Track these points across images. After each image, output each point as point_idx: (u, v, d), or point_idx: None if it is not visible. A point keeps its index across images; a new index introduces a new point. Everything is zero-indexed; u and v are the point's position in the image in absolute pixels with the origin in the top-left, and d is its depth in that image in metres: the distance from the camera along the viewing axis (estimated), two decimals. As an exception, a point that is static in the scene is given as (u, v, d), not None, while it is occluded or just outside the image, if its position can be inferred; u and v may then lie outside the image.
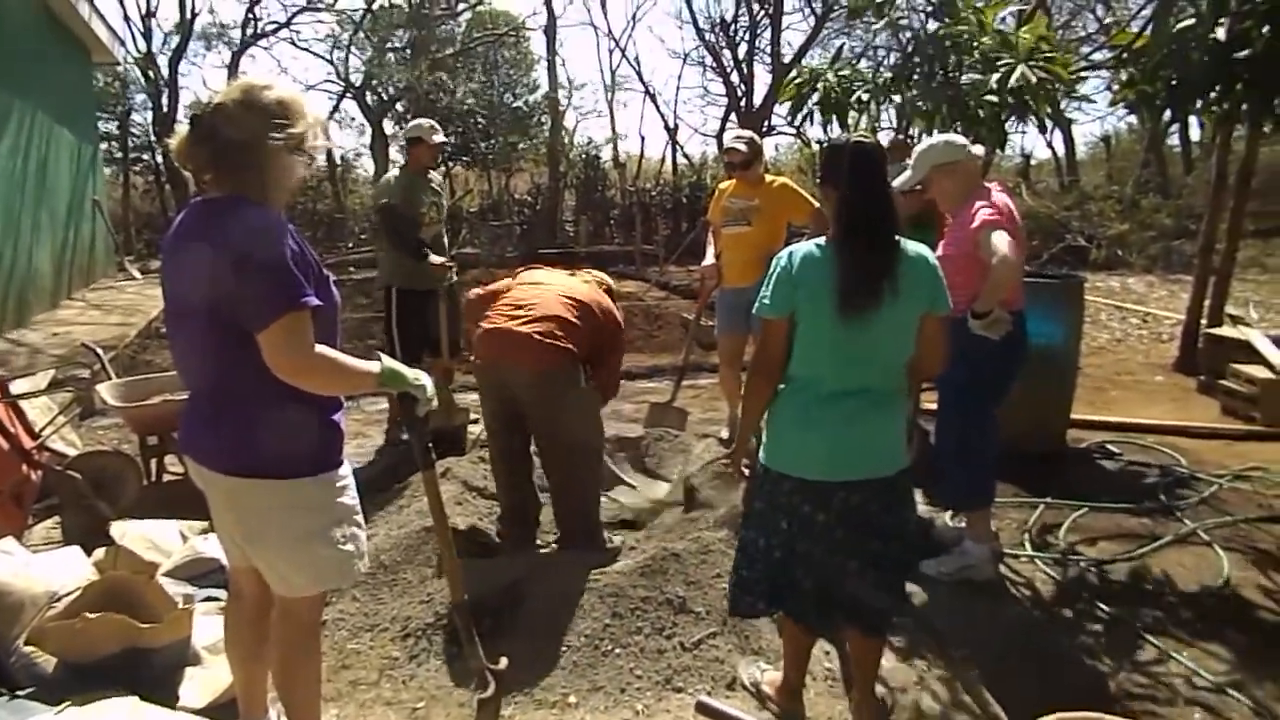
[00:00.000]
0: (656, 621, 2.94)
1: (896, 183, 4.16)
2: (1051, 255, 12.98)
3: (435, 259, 4.94)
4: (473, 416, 5.46)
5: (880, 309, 2.19)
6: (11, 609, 2.76)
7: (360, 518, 2.18)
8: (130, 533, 3.31)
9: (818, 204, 4.79)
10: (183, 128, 1.98)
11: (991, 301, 3.00)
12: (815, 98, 4.72)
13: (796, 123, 17.57)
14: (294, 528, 2.03)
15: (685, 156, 22.27)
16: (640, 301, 10.77)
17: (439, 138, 5.20)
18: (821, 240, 2.29)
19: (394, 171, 5.30)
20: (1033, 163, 24.24)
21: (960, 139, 3.47)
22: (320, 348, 1.90)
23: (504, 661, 2.45)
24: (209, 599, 3.01)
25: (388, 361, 2.08)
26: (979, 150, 3.72)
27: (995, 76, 3.87)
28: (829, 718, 2.61)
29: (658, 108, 30.61)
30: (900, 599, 2.50)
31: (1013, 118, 4.19)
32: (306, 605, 2.16)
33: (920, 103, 4.21)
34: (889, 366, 2.33)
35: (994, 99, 3.91)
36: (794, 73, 5.03)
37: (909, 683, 2.79)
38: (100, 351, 4.80)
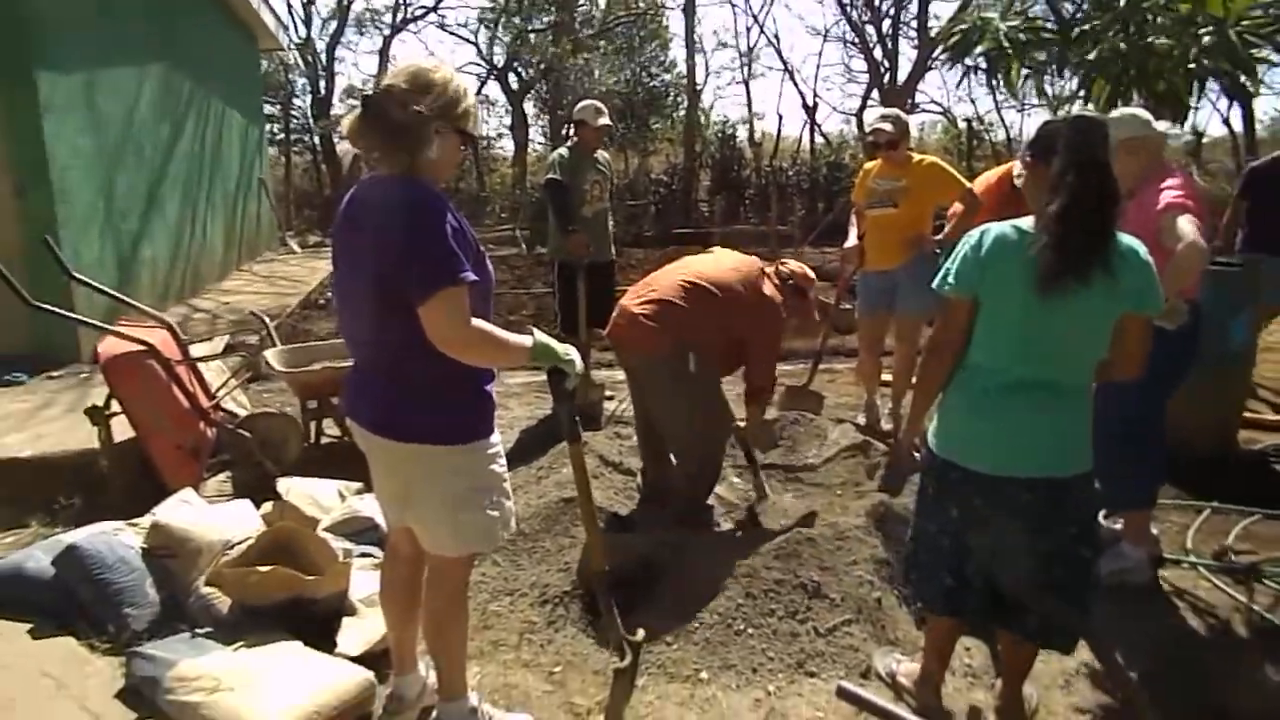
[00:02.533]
0: (790, 605, 2.92)
1: None
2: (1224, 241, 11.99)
3: (579, 235, 5.03)
4: (608, 392, 5.56)
5: (1084, 295, 2.03)
6: (191, 554, 3.02)
7: (508, 486, 2.26)
8: (295, 489, 3.54)
9: (969, 184, 4.60)
10: (354, 109, 2.09)
11: (1171, 290, 2.78)
12: (981, 48, 4.31)
13: (957, 76, 16.83)
14: (448, 492, 2.12)
15: (823, 136, 21.82)
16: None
17: (604, 120, 5.29)
18: (1020, 222, 2.15)
19: (562, 149, 5.43)
20: (1205, 140, 22.41)
21: (1145, 113, 3.24)
22: (476, 321, 1.97)
23: (641, 633, 2.50)
24: (364, 555, 3.19)
25: (539, 336, 2.14)
26: (1165, 127, 3.46)
27: (1200, 43, 3.47)
28: (965, 712, 2.54)
29: (796, 86, 30.18)
30: (1083, 611, 2.29)
31: (1207, 88, 3.79)
32: (457, 566, 2.26)
33: (1112, 64, 3.77)
34: (1079, 361, 2.17)
35: (1191, 65, 3.52)
36: (958, 20, 4.65)
37: (1055, 683, 2.67)
38: (267, 320, 5.13)
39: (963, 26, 4.43)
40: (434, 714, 2.37)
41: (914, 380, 2.46)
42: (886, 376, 5.08)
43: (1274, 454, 4.55)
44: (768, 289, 3.59)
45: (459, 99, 2.04)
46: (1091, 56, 3.75)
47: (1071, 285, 2.02)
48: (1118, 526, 3.49)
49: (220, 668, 2.46)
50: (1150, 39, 3.69)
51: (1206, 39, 3.50)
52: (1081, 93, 4.07)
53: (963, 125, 20.54)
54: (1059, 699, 2.61)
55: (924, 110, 20.55)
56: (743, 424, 3.87)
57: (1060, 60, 4.01)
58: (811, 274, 3.83)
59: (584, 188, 5.15)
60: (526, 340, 2.10)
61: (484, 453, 2.17)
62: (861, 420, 4.90)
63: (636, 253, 11.40)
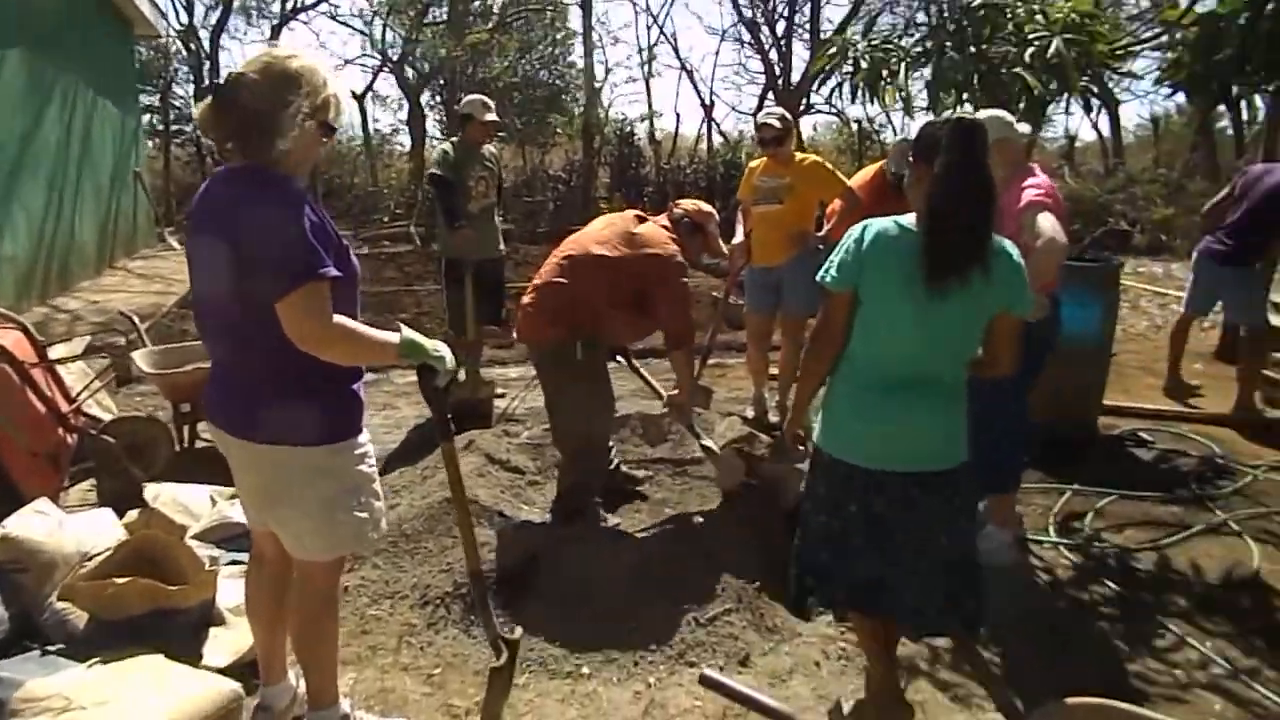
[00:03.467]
0: (671, 596, 2.96)
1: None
2: (1093, 239, 12.71)
3: (465, 231, 4.95)
4: (498, 390, 5.51)
5: (962, 294, 2.08)
6: (44, 567, 2.85)
7: (378, 486, 2.21)
8: (163, 495, 3.39)
9: (849, 183, 4.74)
10: (207, 98, 2.00)
11: (1033, 285, 2.93)
12: (847, 69, 4.57)
13: (826, 96, 17.30)
14: (312, 494, 2.06)
15: (721, 134, 22.09)
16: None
17: (490, 116, 5.21)
18: (902, 218, 2.19)
19: (447, 144, 5.33)
20: (1078, 144, 23.72)
21: (1008, 115, 3.39)
22: (339, 318, 1.92)
23: (518, 631, 2.49)
24: (234, 562, 3.07)
25: (407, 333, 2.09)
26: (1025, 128, 3.63)
27: (1030, 50, 3.74)
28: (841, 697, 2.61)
29: (694, 85, 30.48)
30: (981, 594, 2.35)
31: (1047, 93, 4.05)
32: (324, 570, 2.20)
33: (951, 73, 4.04)
34: (956, 357, 2.23)
35: (1025, 72, 3.78)
36: (825, 44, 4.88)
37: (923, 662, 2.78)
38: (136, 320, 4.89)
39: (829, 51, 4.67)
40: (303, 723, 2.31)
41: (797, 373, 2.50)
42: (774, 370, 5.19)
43: (1130, 438, 4.86)
44: (651, 234, 3.48)
45: (317, 88, 1.98)
46: (945, 64, 3.99)
47: (952, 283, 2.08)
48: (983, 509, 3.66)
49: (72, 686, 2.32)
50: (984, 48, 3.95)
51: (1032, 47, 3.74)
52: (928, 101, 4.32)
53: (854, 127, 21.18)
54: (931, 677, 2.72)
55: (818, 111, 20.95)
56: (674, 393, 3.79)
57: (914, 73, 4.28)
58: (707, 208, 3.75)
59: (470, 183, 5.08)
60: (393, 337, 2.06)
61: (351, 453, 2.12)
62: (750, 414, 4.99)
63: (533, 250, 11.30)
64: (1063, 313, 3.39)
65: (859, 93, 4.62)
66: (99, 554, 2.89)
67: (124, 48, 11.73)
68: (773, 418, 4.93)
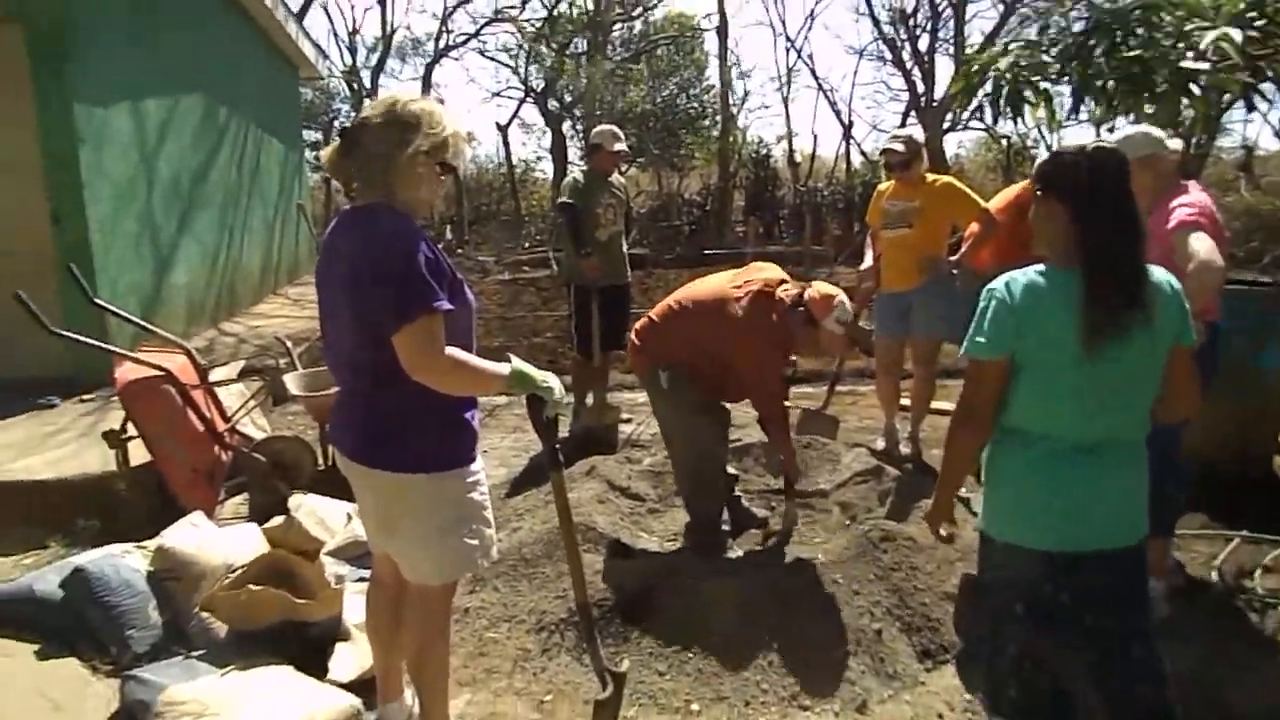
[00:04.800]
0: (787, 635, 2.87)
1: None
2: (1275, 258, 11.63)
3: (591, 259, 5.02)
4: (625, 415, 5.54)
5: (1129, 340, 1.87)
6: (195, 578, 3.06)
7: (489, 514, 2.25)
8: (304, 506, 3.59)
9: (985, 205, 4.52)
10: (334, 141, 2.11)
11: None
12: (987, 88, 4.30)
13: (965, 117, 16.60)
14: (425, 520, 2.12)
15: (862, 154, 21.66)
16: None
17: (619, 146, 5.30)
18: (1038, 269, 1.97)
19: (577, 172, 5.47)
20: (1258, 154, 21.79)
21: (1156, 131, 3.16)
22: (451, 350, 1.97)
23: (625, 664, 2.47)
24: (361, 580, 3.20)
25: (517, 363, 2.14)
26: (1177, 144, 3.36)
27: (1190, 43, 3.38)
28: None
29: (832, 105, 30.09)
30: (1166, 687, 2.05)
31: (1210, 97, 3.69)
32: (438, 593, 2.25)
33: (1099, 81, 3.70)
34: (1138, 411, 1.99)
35: (1187, 66, 3.41)
36: (967, 62, 4.61)
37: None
38: (290, 344, 5.21)
39: (969, 69, 4.37)
40: (415, 743, 2.36)
41: (944, 450, 2.18)
42: (906, 401, 5.00)
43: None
44: (750, 311, 3.31)
45: (436, 129, 2.06)
46: (1091, 71, 3.66)
47: (1118, 333, 1.87)
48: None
49: (208, 693, 2.47)
50: (1138, 51, 3.60)
51: (1199, 42, 3.39)
52: (1085, 112, 3.98)
53: (1004, 143, 20.30)
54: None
55: (965, 127, 20.19)
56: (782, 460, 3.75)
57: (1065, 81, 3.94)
58: (837, 300, 3.30)
59: (597, 211, 5.15)
60: (504, 368, 2.10)
61: (463, 480, 2.17)
62: (880, 445, 4.82)
63: (668, 274, 11.38)
64: (1234, 342, 3.10)
65: (1001, 110, 4.34)
66: (241, 567, 3.07)
67: (290, 88, 12.65)
68: (905, 449, 4.74)
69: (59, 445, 4.66)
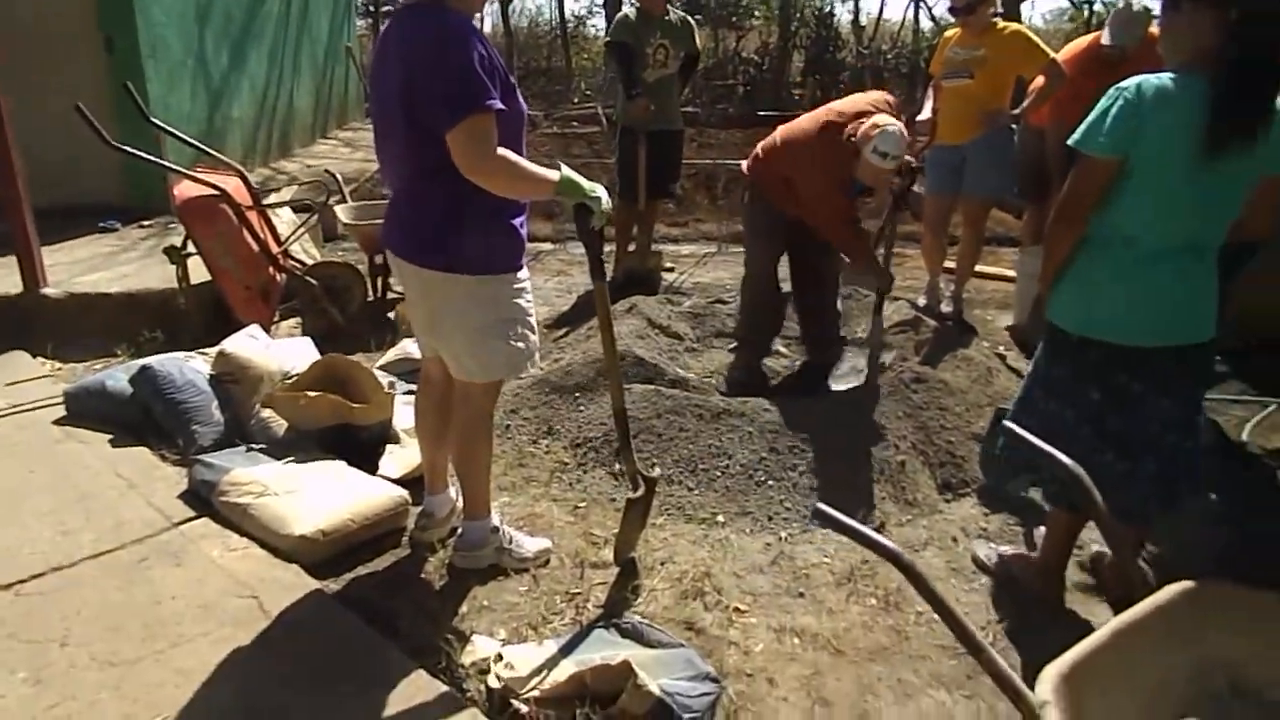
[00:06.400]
0: (812, 462, 2.98)
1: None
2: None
3: (640, 100, 4.91)
4: (667, 264, 5.58)
5: (1243, 156, 1.90)
6: (253, 380, 3.24)
7: (533, 320, 2.34)
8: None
9: (1054, 55, 4.33)
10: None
11: None
12: None
13: None
14: (472, 319, 2.21)
15: (931, 18, 20.53)
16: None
17: None
18: (1167, 75, 1.96)
19: (628, 10, 5.28)
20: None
21: None
22: (503, 151, 2.01)
23: (656, 470, 2.60)
24: (410, 391, 3.36)
25: (566, 171, 2.17)
26: None
27: None
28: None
29: (905, -37, 28.28)
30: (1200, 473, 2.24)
31: None
32: (481, 391, 2.36)
33: None
34: (1224, 221, 2.06)
35: None
36: None
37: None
38: (340, 177, 5.29)
39: None
40: (459, 530, 2.54)
41: (1044, 245, 2.24)
42: (950, 264, 4.94)
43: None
44: (812, 139, 3.49)
45: None
46: None
47: (1242, 145, 1.89)
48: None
49: (269, 476, 2.68)
50: None
51: None
52: None
53: (1085, 12, 19.07)
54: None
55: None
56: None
57: None
58: (878, 131, 3.27)
59: (646, 51, 5.00)
60: (553, 174, 2.13)
61: (509, 286, 2.24)
62: (923, 302, 4.80)
63: (720, 134, 11.13)
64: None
65: None
66: (297, 373, 3.24)
67: (340, -75, 12.26)
68: (946, 308, 4.72)
69: (122, 264, 4.85)
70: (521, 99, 2.18)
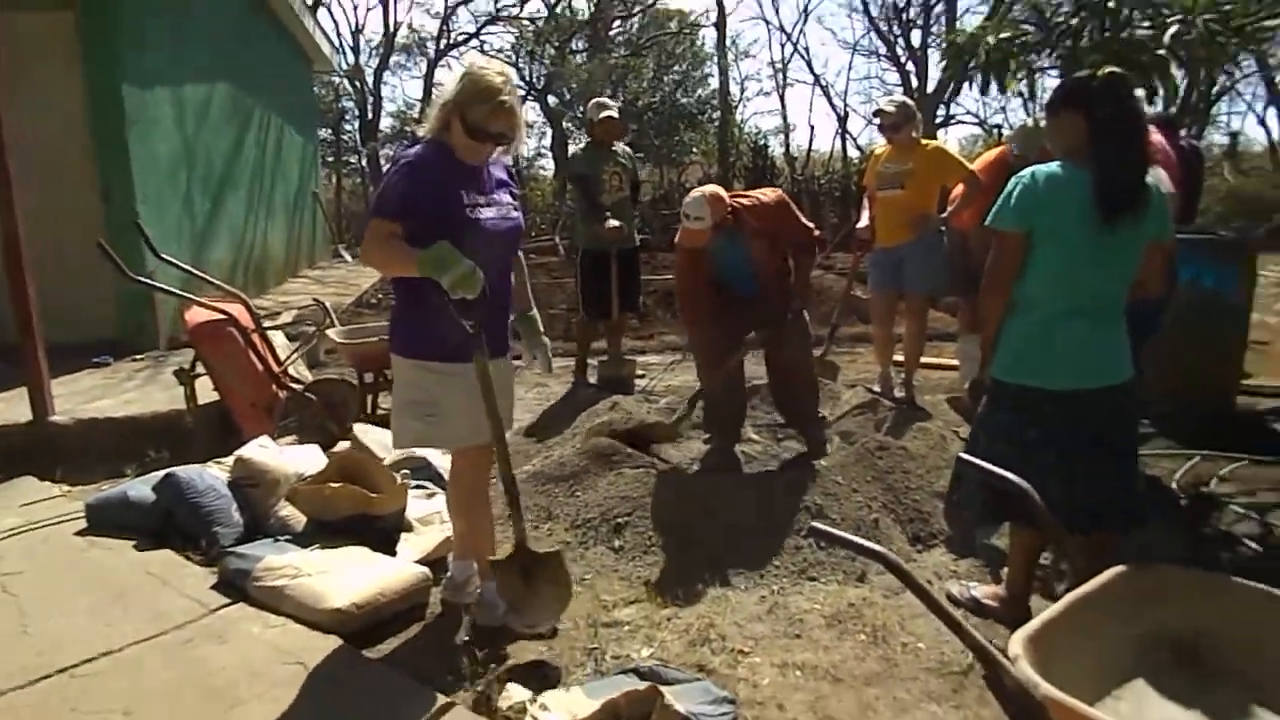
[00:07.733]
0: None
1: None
2: (1269, 230, 11.91)
3: (611, 222, 5.35)
4: (640, 371, 5.96)
5: (1128, 225, 2.35)
6: (270, 484, 3.47)
7: (459, 412, 2.53)
8: (368, 434, 4.04)
9: (971, 166, 4.93)
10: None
11: None
12: (975, 62, 4.66)
13: (953, 92, 16.89)
14: (395, 395, 2.69)
15: (857, 147, 22.09)
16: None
17: (605, 113, 5.57)
18: (1055, 165, 2.43)
19: (579, 148, 5.81)
20: (1242, 141, 22.25)
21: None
22: (389, 245, 2.35)
23: (555, 548, 2.86)
24: (418, 486, 3.62)
25: (425, 252, 2.28)
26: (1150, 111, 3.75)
27: (1169, 33, 3.75)
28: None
29: (828, 98, 30.50)
30: (1141, 496, 2.64)
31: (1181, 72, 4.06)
32: (455, 468, 2.77)
33: (1086, 56, 4.07)
34: (1123, 280, 2.48)
35: (1160, 53, 3.80)
36: (955, 34, 4.96)
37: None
38: (328, 305, 5.62)
39: (958, 40, 4.73)
40: (479, 590, 2.81)
41: (979, 314, 2.72)
42: (899, 358, 5.37)
43: (1274, 415, 4.78)
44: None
45: (463, 90, 2.41)
46: (1082, 45, 4.01)
47: (1126, 217, 2.36)
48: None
49: (301, 560, 2.89)
50: (1125, 31, 3.99)
51: (1174, 28, 3.77)
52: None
53: (996, 135, 20.70)
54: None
55: (958, 121, 20.68)
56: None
57: (1048, 55, 4.30)
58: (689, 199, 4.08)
59: (602, 178, 5.47)
60: (415, 254, 2.29)
61: (433, 373, 2.53)
62: (876, 388, 5.20)
63: (669, 256, 11.76)
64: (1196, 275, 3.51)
65: (988, 81, 4.67)
66: (313, 473, 3.47)
67: (305, 81, 13.07)
68: (898, 394, 5.12)
69: (124, 392, 5.06)
70: (486, 228, 2.49)
